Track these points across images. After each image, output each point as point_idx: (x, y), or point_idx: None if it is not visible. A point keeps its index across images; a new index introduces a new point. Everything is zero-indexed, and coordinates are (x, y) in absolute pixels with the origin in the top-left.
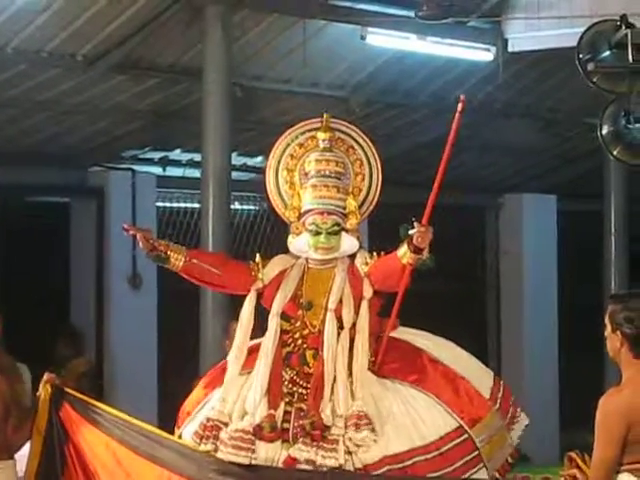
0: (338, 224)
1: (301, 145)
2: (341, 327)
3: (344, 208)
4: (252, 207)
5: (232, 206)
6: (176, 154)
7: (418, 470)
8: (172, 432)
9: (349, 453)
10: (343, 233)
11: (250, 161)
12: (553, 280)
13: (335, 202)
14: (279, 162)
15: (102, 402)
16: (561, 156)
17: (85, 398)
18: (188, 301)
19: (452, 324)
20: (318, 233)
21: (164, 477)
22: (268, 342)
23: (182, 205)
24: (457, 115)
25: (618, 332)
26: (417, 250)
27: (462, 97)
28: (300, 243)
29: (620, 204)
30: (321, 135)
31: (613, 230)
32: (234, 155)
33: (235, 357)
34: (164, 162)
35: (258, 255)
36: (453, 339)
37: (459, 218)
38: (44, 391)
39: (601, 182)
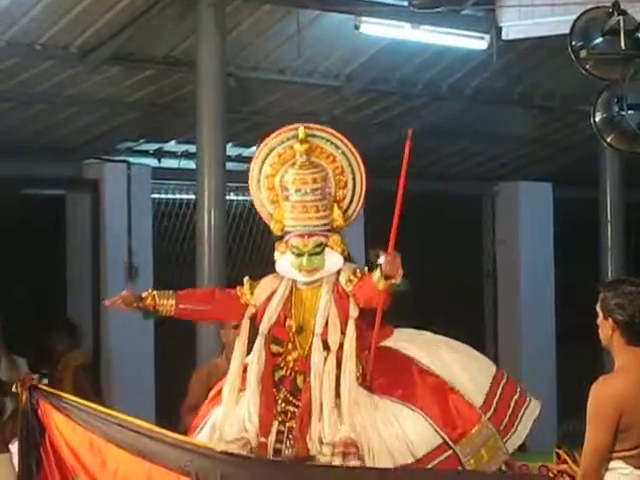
0: (320, 244)
1: (280, 155)
2: (328, 347)
3: (326, 224)
4: (248, 197)
5: (228, 197)
6: (171, 145)
7: None
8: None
9: None
10: (327, 250)
11: (245, 152)
12: (550, 268)
13: (315, 222)
14: (260, 171)
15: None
16: (556, 143)
17: (60, 393)
18: None
19: (449, 313)
20: (300, 255)
21: (144, 468)
22: (253, 364)
23: (178, 197)
24: (407, 146)
25: (610, 319)
26: (387, 277)
27: (410, 132)
28: (284, 264)
29: (616, 191)
30: (298, 147)
31: (609, 217)
32: (229, 146)
33: (231, 382)
34: (159, 154)
35: (245, 279)
36: (450, 328)
37: (455, 206)
38: (22, 392)
39: (597, 169)
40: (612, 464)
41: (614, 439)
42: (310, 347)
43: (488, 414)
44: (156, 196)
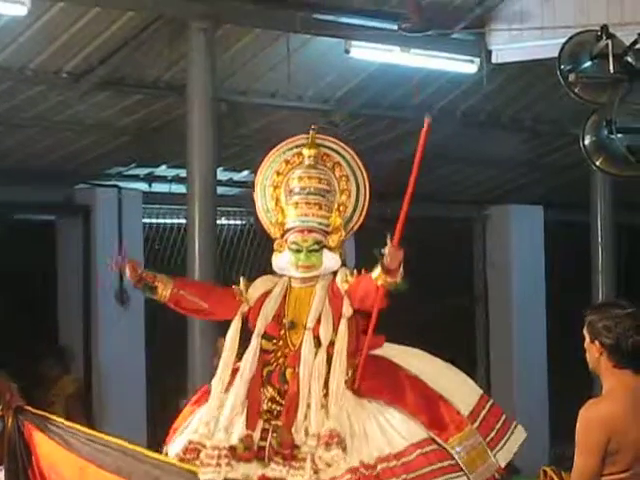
0: (319, 242)
1: (287, 162)
2: (319, 345)
3: (327, 225)
4: (238, 222)
5: (218, 221)
6: (162, 170)
7: (386, 475)
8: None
9: (316, 471)
10: (325, 251)
11: (236, 176)
12: (541, 291)
13: (316, 220)
14: (266, 179)
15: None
16: (547, 167)
17: (46, 415)
18: (176, 318)
19: (440, 337)
20: (298, 251)
21: None
22: (246, 361)
23: (168, 221)
24: (423, 135)
25: (597, 342)
26: (389, 271)
27: (428, 119)
28: (282, 261)
29: (607, 214)
30: (306, 152)
31: (600, 240)
32: (220, 170)
33: (218, 379)
34: (150, 178)
35: (242, 278)
36: (441, 351)
37: (446, 230)
38: (7, 414)
39: (588, 192)
40: None
41: (603, 463)
42: (301, 342)
43: (475, 424)
44: (147, 221)
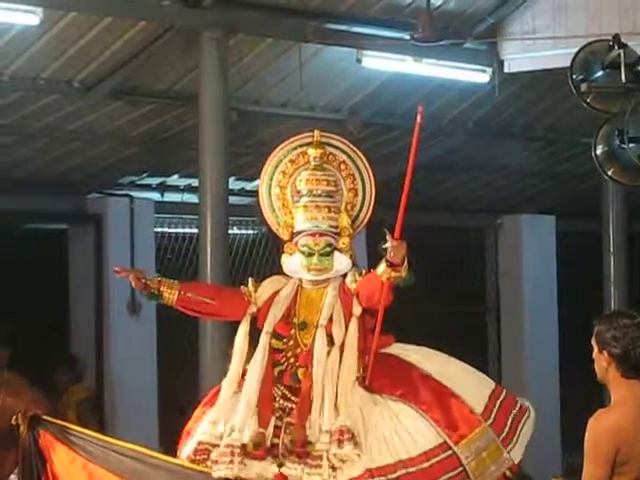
0: (330, 245)
1: (292, 161)
2: (332, 343)
3: (336, 227)
4: (250, 231)
5: (230, 231)
6: (174, 179)
7: None
8: (175, 456)
9: (334, 469)
10: (336, 253)
11: (248, 185)
12: (553, 301)
13: (327, 222)
14: (271, 179)
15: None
16: (559, 176)
17: (63, 423)
18: (187, 326)
19: (452, 346)
20: (310, 255)
21: None
22: (257, 359)
23: (180, 230)
24: (417, 127)
25: (605, 352)
26: (393, 265)
27: (420, 108)
28: (293, 264)
29: (619, 223)
30: (312, 152)
31: (612, 249)
32: (232, 180)
33: (229, 379)
34: (162, 188)
35: (250, 279)
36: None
37: (458, 239)
38: (22, 423)
39: (600, 201)
40: None
41: (612, 472)
42: (313, 341)
43: (488, 422)
44: (159, 230)
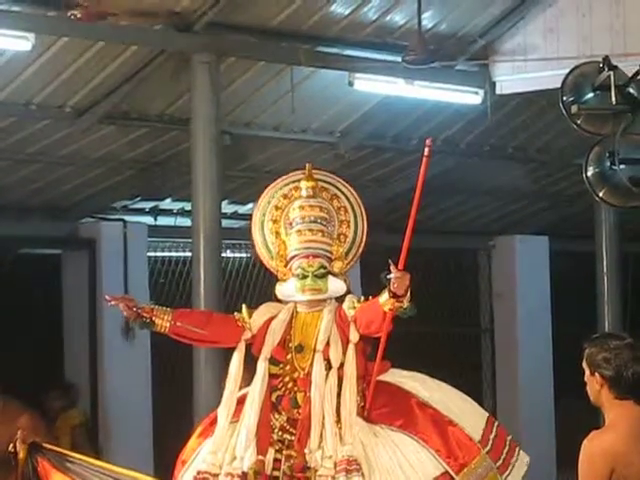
0: (324, 267)
1: (285, 196)
2: (329, 367)
3: (330, 252)
4: (243, 255)
5: (223, 254)
6: (167, 203)
7: None
8: None
9: None
10: (330, 276)
11: (241, 209)
12: (547, 321)
13: (320, 245)
14: (264, 214)
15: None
16: (552, 197)
17: (62, 450)
18: (181, 351)
19: (446, 367)
20: (305, 276)
21: None
22: (256, 386)
23: (174, 254)
24: (424, 159)
25: (597, 374)
26: (395, 296)
27: (428, 141)
28: (287, 288)
29: (612, 243)
30: (304, 184)
31: (606, 270)
32: (224, 203)
33: (224, 407)
34: (155, 212)
35: (244, 306)
36: (447, 381)
37: (451, 261)
38: (21, 449)
39: (593, 222)
40: None
41: None
42: (311, 365)
43: (486, 449)
44: (152, 254)
